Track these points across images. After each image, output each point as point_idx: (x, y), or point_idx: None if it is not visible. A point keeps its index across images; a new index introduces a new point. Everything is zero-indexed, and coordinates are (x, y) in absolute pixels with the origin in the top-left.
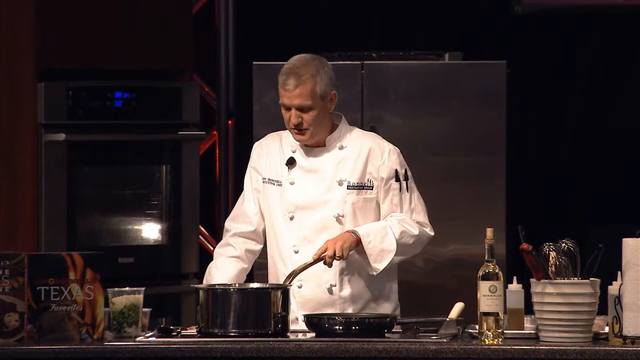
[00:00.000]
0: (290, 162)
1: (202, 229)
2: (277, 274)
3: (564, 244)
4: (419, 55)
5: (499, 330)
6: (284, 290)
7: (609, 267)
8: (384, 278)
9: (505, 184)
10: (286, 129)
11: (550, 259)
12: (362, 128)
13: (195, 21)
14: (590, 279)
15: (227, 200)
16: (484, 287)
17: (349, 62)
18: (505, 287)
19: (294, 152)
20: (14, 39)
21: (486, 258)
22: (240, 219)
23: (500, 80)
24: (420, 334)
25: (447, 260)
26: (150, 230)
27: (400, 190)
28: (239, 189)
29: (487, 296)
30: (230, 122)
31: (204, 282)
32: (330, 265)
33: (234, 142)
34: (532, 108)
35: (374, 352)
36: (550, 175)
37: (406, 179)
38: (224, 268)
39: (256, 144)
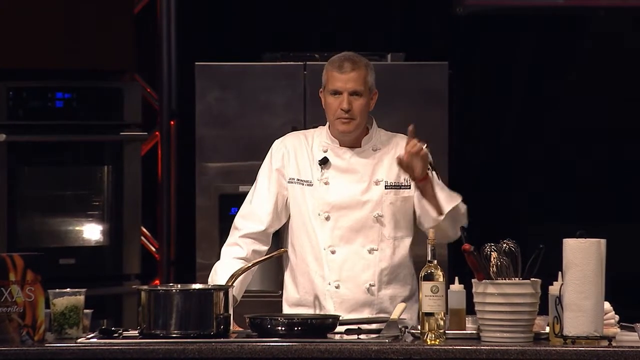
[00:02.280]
0: (324, 162)
1: (144, 229)
2: (309, 274)
3: (505, 245)
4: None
5: (441, 331)
6: (226, 292)
7: (549, 267)
8: (413, 278)
9: (447, 183)
10: (305, 130)
11: (492, 259)
12: (305, 128)
13: (136, 21)
14: (531, 279)
15: (169, 201)
16: (425, 287)
17: (291, 63)
18: (447, 287)
19: (325, 151)
20: None
21: (428, 259)
22: (251, 218)
23: (442, 80)
24: (363, 335)
25: None
26: (92, 231)
27: (439, 178)
28: (181, 189)
29: (429, 296)
30: (172, 122)
31: (209, 280)
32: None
33: (176, 143)
34: (473, 108)
35: (317, 352)
36: (491, 176)
37: (434, 169)
38: (229, 269)
39: (278, 142)
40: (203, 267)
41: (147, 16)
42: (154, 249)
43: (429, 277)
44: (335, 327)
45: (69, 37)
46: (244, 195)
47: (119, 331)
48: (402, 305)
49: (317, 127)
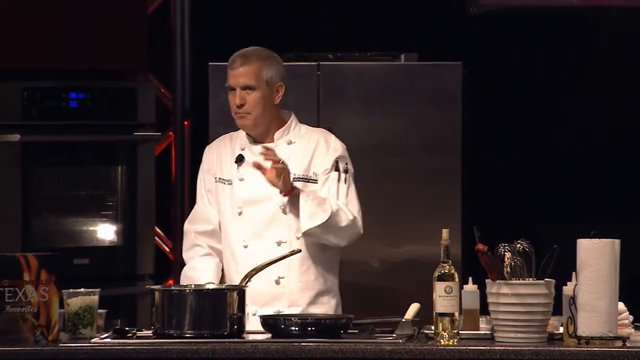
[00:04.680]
0: (239, 160)
1: (158, 229)
2: (228, 271)
3: (519, 245)
4: (374, 56)
5: (455, 331)
6: (240, 291)
7: (563, 267)
8: (331, 272)
9: (460, 184)
10: (237, 130)
11: (506, 259)
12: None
13: (150, 21)
14: (545, 279)
15: (182, 201)
16: (439, 287)
17: (305, 63)
18: (461, 287)
19: (242, 149)
20: None
21: (442, 259)
22: (199, 221)
23: (456, 81)
24: (376, 335)
25: (403, 261)
26: (106, 231)
27: (338, 180)
28: (194, 189)
29: (443, 297)
30: (186, 122)
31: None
32: (272, 175)
33: (190, 143)
34: (487, 109)
35: (330, 352)
36: (505, 176)
37: (346, 172)
38: (204, 267)
39: (207, 147)
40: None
41: (161, 16)
42: (167, 249)
43: (443, 278)
44: (349, 327)
45: (83, 37)
46: None
47: (133, 331)
48: (416, 305)
49: (331, 127)
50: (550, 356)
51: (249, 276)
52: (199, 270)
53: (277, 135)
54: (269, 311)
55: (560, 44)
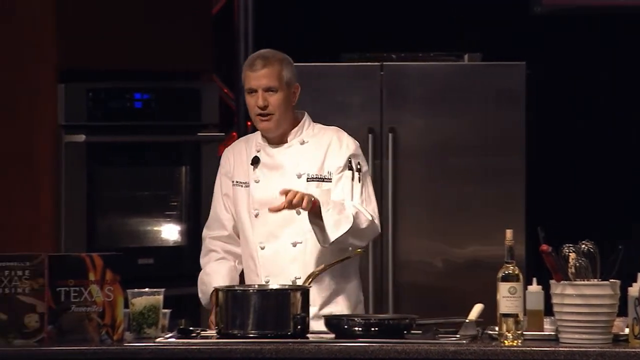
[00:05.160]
0: (255, 162)
1: None
2: (248, 274)
3: (583, 245)
4: (438, 56)
5: (519, 332)
6: (304, 291)
7: (628, 268)
8: (347, 272)
9: (524, 184)
10: (253, 133)
11: (570, 260)
12: (381, 129)
13: (215, 22)
14: (610, 280)
15: None
16: (503, 288)
17: (368, 63)
18: (525, 288)
19: (258, 151)
20: (34, 40)
21: (506, 259)
22: (215, 226)
23: (520, 81)
24: (440, 335)
25: (467, 261)
26: (170, 231)
27: (352, 179)
28: None
29: (507, 297)
30: (248, 123)
31: (200, 294)
32: (290, 205)
33: None
34: (551, 108)
35: (393, 353)
36: (569, 176)
37: (359, 170)
38: (217, 271)
39: (227, 149)
40: None
41: (225, 17)
42: None
43: (507, 278)
44: (412, 327)
45: (147, 38)
46: None
47: (197, 331)
48: (480, 306)
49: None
50: (615, 357)
51: (311, 277)
52: (212, 275)
53: (290, 135)
54: None
55: (626, 44)
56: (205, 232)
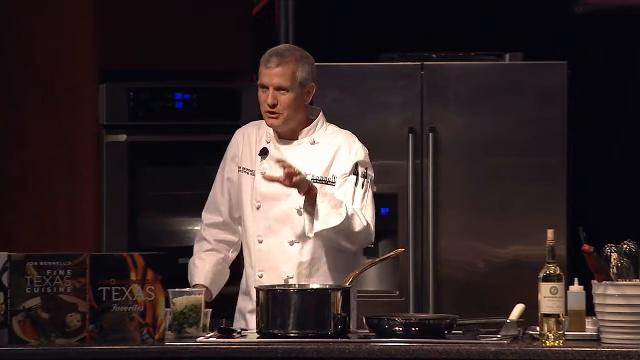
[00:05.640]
0: (264, 153)
1: None
2: (245, 264)
3: (625, 246)
4: (479, 56)
5: (560, 332)
6: (345, 291)
7: None
8: (343, 274)
9: (566, 184)
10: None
11: (612, 260)
12: (421, 129)
13: (255, 22)
14: None
15: None
16: (545, 288)
17: (409, 63)
18: (567, 288)
19: (268, 142)
20: (75, 40)
21: (547, 259)
22: (212, 209)
23: (561, 80)
24: (481, 336)
25: (508, 261)
26: None
27: (356, 184)
28: None
29: (548, 298)
30: None
31: (189, 278)
32: (288, 177)
33: None
34: (593, 108)
35: (434, 353)
36: (610, 176)
37: (365, 177)
38: (202, 266)
39: (238, 131)
40: None
41: (266, 17)
42: None
43: (548, 279)
44: (453, 327)
45: (188, 38)
46: None
47: (238, 331)
48: (521, 306)
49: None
50: None
51: (351, 278)
52: (198, 269)
53: (302, 134)
54: None
55: None
56: (203, 215)
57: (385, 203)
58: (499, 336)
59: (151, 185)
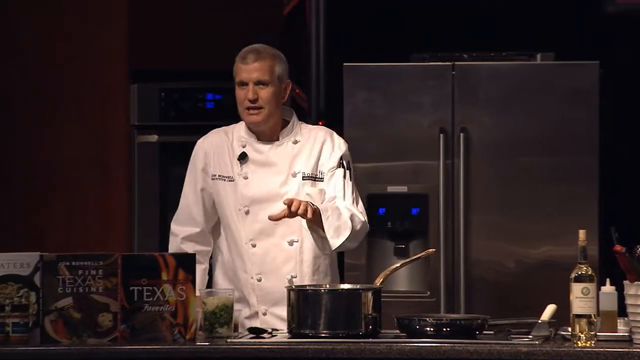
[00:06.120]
0: (242, 157)
1: None
2: (234, 270)
3: None
4: (510, 55)
5: (592, 333)
6: (375, 291)
7: None
8: (336, 270)
9: (598, 184)
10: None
11: None
12: (452, 129)
13: (286, 22)
14: None
15: None
16: (576, 289)
17: (439, 63)
18: (598, 289)
19: (244, 147)
20: (106, 40)
21: (579, 260)
22: (185, 221)
23: (593, 80)
24: (512, 336)
25: (539, 261)
26: None
27: (344, 177)
28: None
29: (580, 298)
30: (320, 123)
31: None
32: (291, 213)
33: None
34: (624, 108)
35: (465, 353)
36: None
37: (349, 168)
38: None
39: (199, 142)
40: (352, 267)
41: (297, 17)
42: None
43: (580, 279)
44: (484, 327)
45: (219, 38)
46: (391, 196)
47: (269, 330)
48: (553, 306)
49: (465, 127)
50: None
51: (382, 278)
52: None
53: (282, 133)
54: (280, 310)
55: None
56: (174, 227)
57: (416, 203)
58: (530, 336)
59: (182, 186)
